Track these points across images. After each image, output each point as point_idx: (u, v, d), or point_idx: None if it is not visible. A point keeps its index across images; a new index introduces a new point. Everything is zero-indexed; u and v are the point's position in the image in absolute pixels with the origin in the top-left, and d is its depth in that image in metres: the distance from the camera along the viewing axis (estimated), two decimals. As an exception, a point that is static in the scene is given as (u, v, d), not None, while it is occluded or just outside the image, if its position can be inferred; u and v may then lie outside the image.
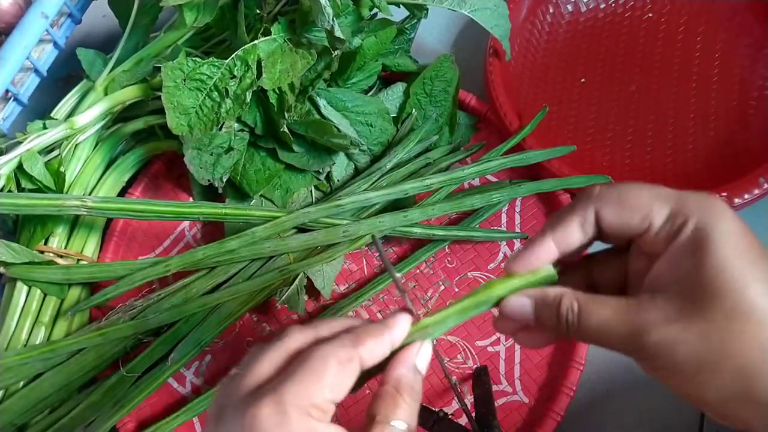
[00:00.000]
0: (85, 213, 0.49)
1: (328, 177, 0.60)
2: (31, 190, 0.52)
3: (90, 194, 0.57)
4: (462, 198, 0.57)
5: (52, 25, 0.58)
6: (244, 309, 0.53)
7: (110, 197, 0.57)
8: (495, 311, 0.31)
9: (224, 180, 0.56)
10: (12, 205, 0.47)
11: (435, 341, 0.31)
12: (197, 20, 0.53)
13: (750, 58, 0.67)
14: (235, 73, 0.51)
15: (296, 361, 0.27)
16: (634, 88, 0.67)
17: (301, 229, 0.55)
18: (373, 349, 0.28)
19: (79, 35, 0.68)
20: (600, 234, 0.29)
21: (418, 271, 0.58)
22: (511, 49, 0.61)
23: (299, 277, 0.55)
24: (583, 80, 0.68)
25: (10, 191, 0.52)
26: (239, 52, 0.51)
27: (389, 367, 0.29)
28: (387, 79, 0.64)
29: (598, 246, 0.31)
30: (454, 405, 0.53)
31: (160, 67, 0.50)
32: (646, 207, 0.27)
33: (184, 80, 0.49)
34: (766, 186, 0.55)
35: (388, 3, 0.55)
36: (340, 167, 0.60)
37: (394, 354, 0.30)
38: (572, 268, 0.32)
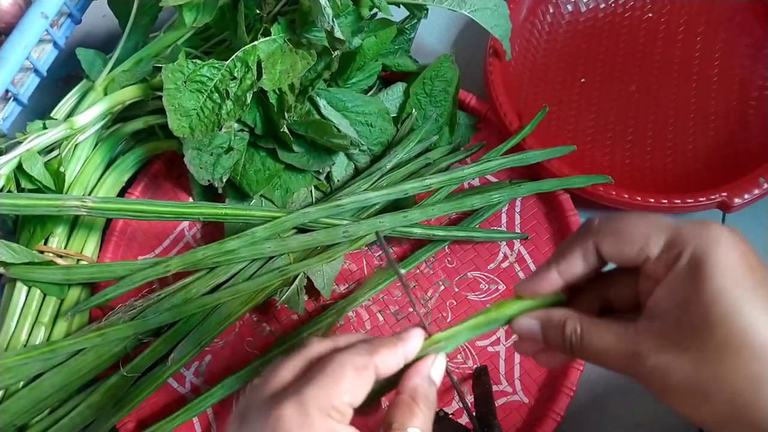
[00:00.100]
0: (84, 213, 0.49)
1: (328, 177, 0.60)
2: (30, 190, 0.52)
3: (90, 194, 0.57)
4: (462, 198, 0.57)
5: (52, 25, 0.58)
6: (244, 309, 0.53)
7: (110, 197, 0.57)
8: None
9: (224, 180, 0.56)
10: (12, 205, 0.47)
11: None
12: (197, 20, 0.53)
13: (750, 58, 0.67)
14: (236, 74, 0.51)
15: (315, 367, 0.29)
16: (634, 88, 0.67)
17: (301, 230, 0.55)
18: (387, 359, 0.30)
19: (79, 35, 0.68)
20: (604, 262, 0.31)
21: (418, 271, 0.58)
22: (511, 49, 0.61)
23: (299, 278, 0.55)
24: (583, 80, 0.68)
25: (9, 191, 0.52)
26: (239, 53, 0.51)
27: (405, 376, 0.31)
28: (387, 79, 0.64)
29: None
30: (455, 405, 0.53)
31: (159, 67, 0.50)
32: (643, 239, 0.28)
33: (185, 82, 0.50)
34: (766, 186, 0.55)
35: (388, 3, 0.55)
36: (340, 167, 0.60)
37: (407, 368, 0.31)
38: (586, 287, 0.33)
